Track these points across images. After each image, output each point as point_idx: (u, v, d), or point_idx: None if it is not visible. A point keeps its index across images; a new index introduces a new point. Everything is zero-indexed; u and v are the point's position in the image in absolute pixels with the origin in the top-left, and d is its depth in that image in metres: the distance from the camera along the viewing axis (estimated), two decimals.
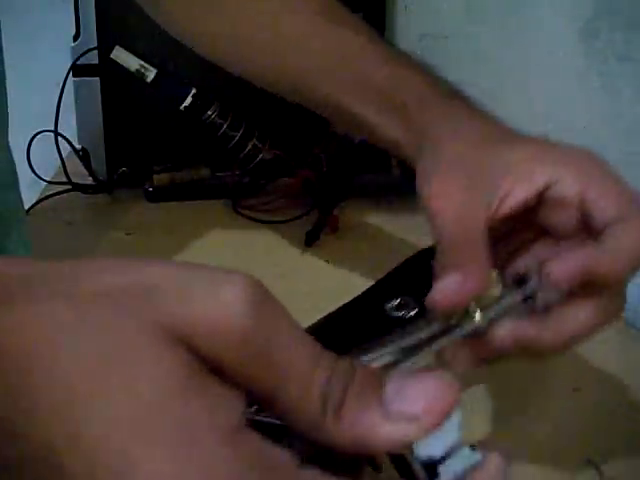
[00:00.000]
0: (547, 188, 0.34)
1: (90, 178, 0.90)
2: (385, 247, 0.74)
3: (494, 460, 0.23)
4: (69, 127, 0.92)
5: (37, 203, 0.85)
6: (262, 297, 0.20)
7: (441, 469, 0.22)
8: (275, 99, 0.57)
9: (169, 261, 0.22)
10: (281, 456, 0.19)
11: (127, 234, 0.75)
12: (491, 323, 0.31)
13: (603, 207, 0.33)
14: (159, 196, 0.86)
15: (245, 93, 0.95)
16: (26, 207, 0.82)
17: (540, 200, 0.35)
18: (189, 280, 0.20)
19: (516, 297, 0.31)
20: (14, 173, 0.58)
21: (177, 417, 0.18)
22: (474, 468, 0.22)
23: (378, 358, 0.26)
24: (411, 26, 1.00)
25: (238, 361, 0.19)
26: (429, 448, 0.22)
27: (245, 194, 0.86)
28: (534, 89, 0.70)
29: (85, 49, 0.84)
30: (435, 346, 0.28)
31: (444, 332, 0.29)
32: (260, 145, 0.89)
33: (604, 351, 0.52)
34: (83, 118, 0.91)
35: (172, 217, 0.82)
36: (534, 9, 0.69)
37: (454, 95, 0.44)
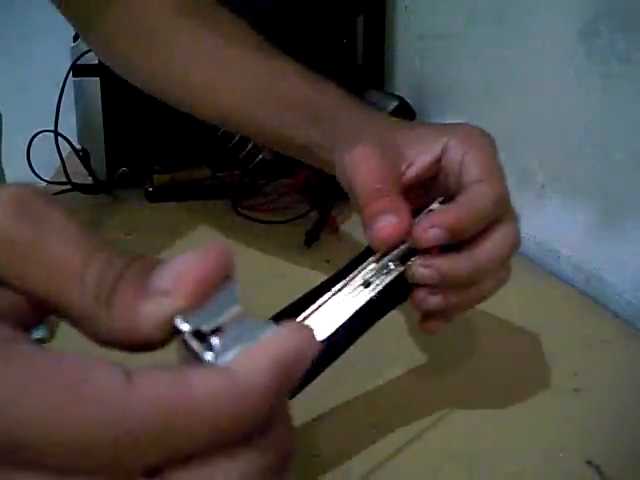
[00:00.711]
0: (442, 155, 0.41)
1: (90, 178, 0.90)
2: None
3: (289, 334, 0.21)
4: (69, 127, 0.92)
5: None
6: (28, 202, 0.20)
7: (214, 340, 0.21)
8: None
9: None
10: None
11: (127, 234, 0.75)
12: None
13: (471, 170, 0.39)
14: (159, 196, 0.87)
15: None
16: None
17: (437, 168, 0.41)
18: None
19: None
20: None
21: None
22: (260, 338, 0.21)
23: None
24: (411, 26, 1.00)
25: (5, 263, 0.20)
26: (199, 320, 0.21)
27: (245, 194, 0.86)
28: (534, 89, 0.70)
29: (85, 49, 0.84)
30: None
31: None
32: (260, 145, 0.89)
33: (604, 351, 0.52)
34: (83, 118, 0.91)
35: (172, 217, 0.82)
36: (534, 9, 0.69)
37: (361, 104, 0.49)
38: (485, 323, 0.55)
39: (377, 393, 0.46)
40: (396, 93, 0.92)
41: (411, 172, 0.40)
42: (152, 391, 0.19)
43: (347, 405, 0.44)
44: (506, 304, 0.60)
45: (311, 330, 0.21)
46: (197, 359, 0.20)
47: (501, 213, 0.39)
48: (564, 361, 0.50)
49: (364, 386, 0.46)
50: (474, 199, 0.38)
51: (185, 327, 0.21)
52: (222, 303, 0.21)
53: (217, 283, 0.21)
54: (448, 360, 0.50)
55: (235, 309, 0.22)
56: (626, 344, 0.53)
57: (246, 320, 0.22)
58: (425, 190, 0.42)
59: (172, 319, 0.21)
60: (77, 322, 0.21)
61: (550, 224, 0.69)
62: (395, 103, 0.83)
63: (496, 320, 0.57)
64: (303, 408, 0.43)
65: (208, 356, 0.20)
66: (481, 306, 0.59)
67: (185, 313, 0.21)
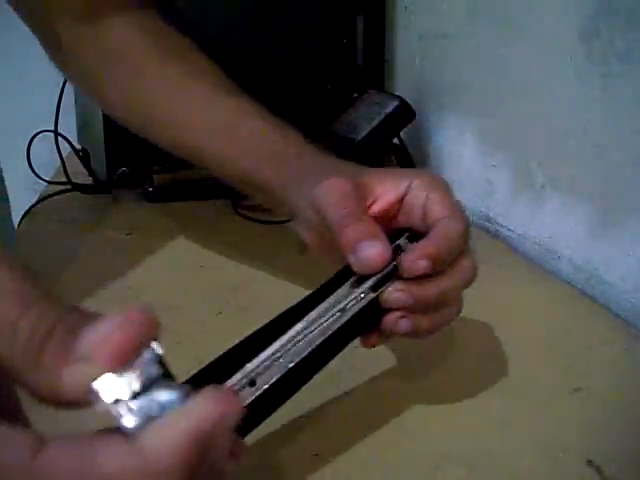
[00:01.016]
0: (405, 195, 0.43)
1: (90, 178, 0.90)
2: None
3: (202, 401, 0.21)
4: (69, 127, 0.92)
5: (37, 203, 0.85)
6: None
7: (133, 404, 0.21)
8: (275, 99, 0.58)
9: None
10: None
11: (127, 234, 0.75)
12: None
13: (436, 208, 0.42)
14: (159, 196, 0.86)
15: (245, 93, 0.95)
16: (26, 207, 0.83)
17: (399, 206, 0.44)
18: None
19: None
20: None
21: None
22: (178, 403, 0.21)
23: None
24: (411, 26, 1.00)
25: None
26: (118, 385, 0.21)
27: (245, 194, 0.86)
28: (534, 89, 0.70)
29: None
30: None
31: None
32: None
33: (604, 351, 0.52)
34: (83, 118, 0.91)
35: (172, 217, 0.82)
36: (534, 9, 0.69)
37: (323, 151, 0.51)
38: (485, 323, 0.55)
39: (378, 392, 0.46)
40: (396, 93, 0.92)
41: (374, 208, 0.43)
42: (62, 464, 0.19)
43: (347, 405, 0.44)
44: (506, 304, 0.60)
45: (231, 396, 0.22)
46: (117, 421, 0.21)
47: (464, 247, 0.42)
48: (564, 361, 0.50)
49: (364, 385, 0.46)
50: (447, 233, 0.41)
51: (103, 395, 0.21)
52: (144, 367, 0.22)
53: (139, 348, 0.21)
54: (448, 360, 0.50)
55: (156, 373, 0.22)
56: (626, 344, 0.53)
57: (165, 386, 0.22)
58: (383, 227, 0.44)
59: (91, 385, 0.21)
60: (13, 376, 0.21)
61: (550, 224, 0.69)
62: (395, 103, 0.83)
63: (496, 320, 0.57)
64: (302, 407, 0.43)
65: (126, 422, 0.21)
66: (481, 306, 0.59)
67: (104, 378, 0.21)
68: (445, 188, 0.44)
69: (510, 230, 0.76)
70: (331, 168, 0.47)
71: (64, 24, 0.57)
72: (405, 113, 0.83)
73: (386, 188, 0.44)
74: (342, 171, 0.45)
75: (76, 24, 0.57)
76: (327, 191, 0.42)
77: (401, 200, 0.44)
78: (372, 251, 0.38)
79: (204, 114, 0.55)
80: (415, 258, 0.39)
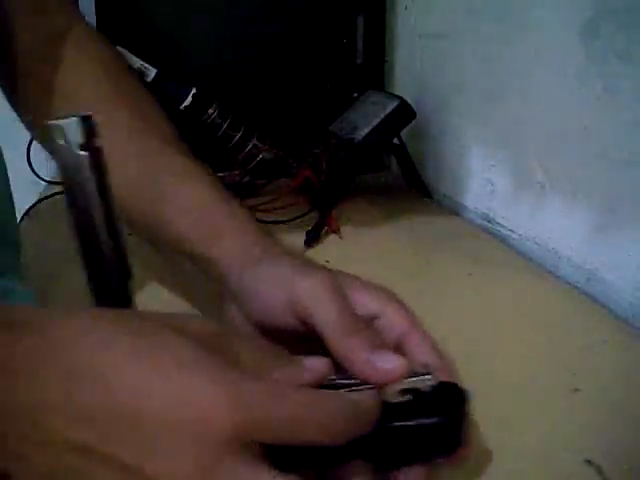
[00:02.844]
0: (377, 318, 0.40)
1: None
2: (384, 247, 0.74)
3: None
4: None
5: (37, 203, 0.85)
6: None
7: None
8: (275, 100, 0.58)
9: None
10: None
11: (128, 234, 0.75)
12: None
13: (390, 322, 0.40)
14: None
15: (245, 93, 0.96)
16: (26, 207, 0.83)
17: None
18: (182, 314, 0.32)
19: None
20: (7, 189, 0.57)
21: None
22: None
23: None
24: (411, 26, 1.00)
25: (213, 341, 0.31)
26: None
27: (245, 194, 0.86)
28: (534, 89, 0.70)
29: None
30: None
31: None
32: (260, 145, 0.89)
33: (604, 351, 0.52)
34: None
35: None
36: (534, 9, 0.69)
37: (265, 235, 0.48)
38: (485, 323, 0.55)
39: None
40: (396, 93, 0.92)
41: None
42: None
43: None
44: (506, 304, 0.60)
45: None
46: None
47: None
48: (564, 361, 0.50)
49: None
50: (435, 350, 0.40)
51: None
52: None
53: None
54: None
55: None
56: (626, 344, 0.53)
57: None
58: None
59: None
60: None
61: (550, 224, 0.69)
62: (395, 103, 0.83)
63: (496, 320, 0.57)
64: None
65: None
66: (481, 306, 0.59)
67: None
68: (415, 320, 0.41)
69: (510, 230, 0.76)
70: (279, 256, 0.44)
71: (23, 59, 0.54)
72: (405, 113, 0.83)
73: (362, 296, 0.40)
74: (303, 263, 0.42)
75: (29, 57, 0.53)
76: (316, 291, 0.38)
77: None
78: (390, 364, 0.35)
79: (141, 173, 0.51)
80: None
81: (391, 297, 0.41)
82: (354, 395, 0.32)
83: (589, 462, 0.39)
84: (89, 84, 0.54)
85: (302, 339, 0.39)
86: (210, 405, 0.27)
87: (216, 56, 0.95)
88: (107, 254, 0.39)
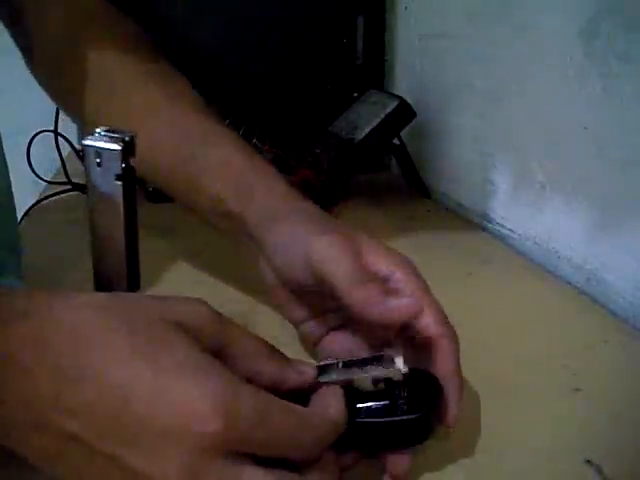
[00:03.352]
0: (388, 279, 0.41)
1: None
2: None
3: None
4: (69, 127, 0.92)
5: (37, 203, 0.85)
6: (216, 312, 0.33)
7: None
8: (275, 99, 0.58)
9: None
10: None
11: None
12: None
13: (427, 322, 0.39)
14: (159, 196, 0.86)
15: (245, 93, 0.95)
16: (26, 207, 0.83)
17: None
18: (177, 299, 0.33)
19: None
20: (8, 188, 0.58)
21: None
22: None
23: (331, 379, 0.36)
24: (411, 26, 1.00)
25: (207, 332, 0.31)
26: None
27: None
28: (534, 89, 0.70)
29: None
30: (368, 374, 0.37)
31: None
32: (260, 145, 0.88)
33: (604, 351, 0.52)
34: None
35: (172, 217, 0.82)
36: (534, 9, 0.69)
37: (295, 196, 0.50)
38: (485, 323, 0.55)
39: None
40: (396, 93, 0.92)
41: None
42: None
43: None
44: (506, 304, 0.60)
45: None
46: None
47: None
48: (564, 361, 0.50)
49: None
50: (453, 359, 0.39)
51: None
52: None
53: None
54: None
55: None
56: (626, 344, 0.53)
57: None
58: None
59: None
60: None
61: (550, 224, 0.69)
62: (395, 103, 0.83)
63: (496, 320, 0.57)
64: None
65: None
66: (481, 306, 0.59)
67: None
68: (426, 285, 0.41)
69: (510, 230, 0.76)
70: (302, 213, 0.46)
71: (48, 40, 0.57)
72: (405, 113, 0.83)
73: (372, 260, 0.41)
74: (323, 222, 0.44)
75: (60, 41, 0.57)
76: (329, 249, 0.40)
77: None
78: (400, 302, 0.37)
79: (174, 138, 0.54)
80: (452, 417, 0.38)
81: (404, 262, 0.42)
82: (335, 413, 0.33)
83: (589, 462, 0.39)
84: (121, 62, 0.57)
85: (324, 297, 0.41)
86: (198, 410, 0.28)
87: (216, 56, 0.95)
88: (121, 267, 0.39)
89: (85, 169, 0.37)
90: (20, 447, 0.29)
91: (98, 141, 0.36)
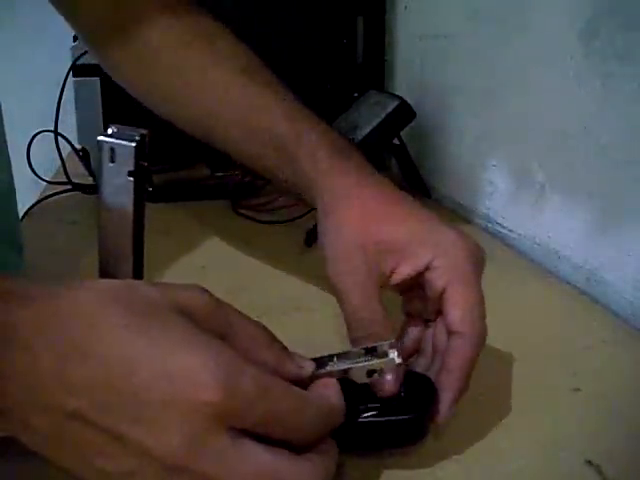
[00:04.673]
0: (425, 272, 0.41)
1: (90, 178, 0.90)
2: None
3: None
4: (69, 127, 0.92)
5: (37, 203, 0.85)
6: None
7: None
8: None
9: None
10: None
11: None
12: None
13: (452, 312, 0.40)
14: (159, 196, 0.86)
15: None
16: (26, 207, 0.83)
17: (420, 278, 0.42)
18: (177, 285, 0.32)
19: None
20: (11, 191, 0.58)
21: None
22: None
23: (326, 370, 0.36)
24: (411, 26, 1.00)
25: (208, 317, 0.31)
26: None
27: (245, 194, 0.86)
28: (534, 89, 0.70)
29: (85, 49, 0.84)
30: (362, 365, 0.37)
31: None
32: None
33: (604, 351, 0.52)
34: (83, 118, 0.91)
35: (172, 217, 0.82)
36: (534, 9, 0.69)
37: (346, 154, 0.48)
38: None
39: None
40: (396, 93, 0.92)
41: (394, 280, 0.42)
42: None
43: None
44: (506, 304, 0.60)
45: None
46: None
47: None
48: (564, 361, 0.50)
49: None
50: (460, 361, 0.39)
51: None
52: None
53: None
54: None
55: None
56: (626, 344, 0.53)
57: None
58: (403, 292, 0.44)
59: None
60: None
61: (550, 224, 0.69)
62: (395, 103, 0.83)
63: (496, 320, 0.56)
64: None
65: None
66: None
67: None
68: (469, 278, 0.40)
69: (510, 230, 0.76)
70: (349, 196, 0.45)
71: (93, 18, 0.58)
72: (405, 113, 0.83)
73: (404, 258, 0.41)
74: (358, 217, 0.43)
75: (104, 16, 0.57)
76: (341, 274, 0.42)
77: (421, 274, 0.41)
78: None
79: (222, 103, 0.55)
80: (449, 407, 0.38)
81: (453, 250, 0.41)
82: (334, 397, 0.33)
83: (589, 462, 0.39)
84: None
85: None
86: (198, 380, 0.28)
87: None
88: (126, 262, 0.39)
89: (98, 164, 0.37)
90: (20, 431, 0.29)
91: (112, 137, 0.36)
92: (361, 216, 0.43)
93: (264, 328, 0.34)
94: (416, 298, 0.43)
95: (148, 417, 0.28)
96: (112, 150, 0.37)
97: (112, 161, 0.37)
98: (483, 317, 0.40)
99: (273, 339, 0.34)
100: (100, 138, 0.36)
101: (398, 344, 0.37)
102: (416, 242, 0.42)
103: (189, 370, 0.28)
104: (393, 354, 0.36)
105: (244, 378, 0.29)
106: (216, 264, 0.67)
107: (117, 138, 0.37)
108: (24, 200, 0.81)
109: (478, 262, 0.41)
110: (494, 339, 0.53)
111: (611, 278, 0.61)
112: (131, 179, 0.37)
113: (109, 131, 0.37)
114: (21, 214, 0.80)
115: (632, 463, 0.39)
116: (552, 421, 0.43)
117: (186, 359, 0.28)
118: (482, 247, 0.43)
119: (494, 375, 0.48)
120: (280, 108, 0.52)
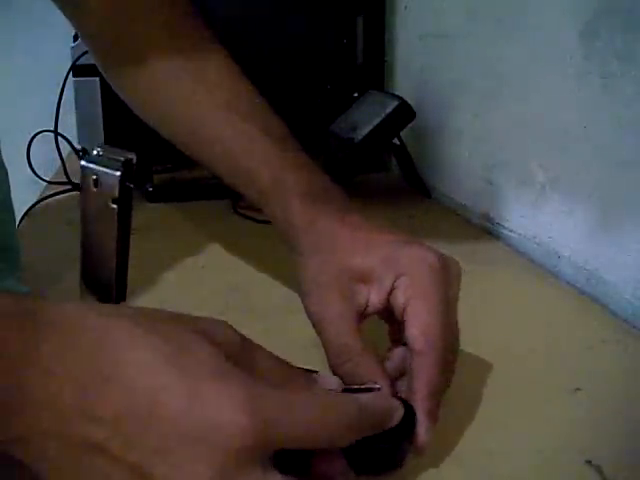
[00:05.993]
0: (391, 293, 0.41)
1: None
2: None
3: None
4: (69, 127, 0.92)
5: (37, 203, 0.85)
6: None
7: None
8: (275, 99, 0.58)
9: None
10: None
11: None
12: None
13: (411, 330, 0.39)
14: (159, 196, 0.86)
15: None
16: (26, 207, 0.83)
17: (391, 300, 0.41)
18: (203, 317, 0.32)
19: None
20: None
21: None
22: None
23: None
24: (411, 26, 1.00)
25: (236, 352, 0.31)
26: None
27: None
28: (534, 89, 0.70)
29: (85, 49, 0.84)
30: None
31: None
32: None
33: (604, 351, 0.52)
34: (83, 118, 0.91)
35: (172, 217, 0.82)
36: (534, 9, 0.69)
37: (322, 198, 0.49)
38: (485, 323, 0.55)
39: None
40: (396, 93, 0.92)
41: (369, 311, 0.42)
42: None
43: None
44: (506, 304, 0.60)
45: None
46: None
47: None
48: (564, 361, 0.50)
49: None
50: (421, 381, 0.38)
51: None
52: None
53: None
54: None
55: None
56: (626, 344, 0.53)
57: None
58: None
59: None
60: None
61: (550, 224, 0.69)
62: (395, 103, 0.83)
63: (496, 320, 0.57)
64: None
65: None
66: (481, 306, 0.59)
67: None
68: (429, 292, 0.39)
69: (510, 230, 0.76)
70: (321, 239, 0.46)
71: (93, 24, 0.57)
72: (405, 113, 0.83)
73: (373, 284, 0.42)
74: (330, 252, 0.44)
75: (101, 24, 0.57)
76: (320, 310, 0.42)
77: (389, 294, 0.41)
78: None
79: (203, 139, 0.55)
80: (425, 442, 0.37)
81: (421, 264, 0.40)
82: (363, 398, 0.33)
83: (589, 462, 0.39)
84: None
85: None
86: (232, 415, 0.27)
87: None
88: (109, 279, 0.39)
89: (81, 189, 0.37)
90: (36, 460, 0.28)
91: (96, 163, 0.36)
92: (333, 251, 0.44)
93: (287, 364, 0.34)
94: (395, 323, 0.42)
95: (175, 451, 0.27)
96: (96, 176, 0.36)
97: (95, 186, 0.37)
98: (446, 332, 0.39)
99: (299, 375, 0.34)
100: (83, 163, 0.35)
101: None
102: (381, 266, 0.41)
103: (216, 405, 0.27)
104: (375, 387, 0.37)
105: (266, 399, 0.28)
106: (216, 264, 0.67)
107: (101, 164, 0.36)
108: (24, 200, 0.81)
109: (442, 276, 0.40)
110: (494, 339, 0.53)
111: (611, 278, 0.61)
112: (115, 206, 0.37)
113: (94, 152, 0.36)
114: (21, 214, 0.80)
115: (632, 463, 0.39)
116: (552, 421, 0.43)
117: (213, 393, 0.27)
118: (454, 259, 0.41)
119: (494, 375, 0.48)
120: (260, 149, 0.52)
